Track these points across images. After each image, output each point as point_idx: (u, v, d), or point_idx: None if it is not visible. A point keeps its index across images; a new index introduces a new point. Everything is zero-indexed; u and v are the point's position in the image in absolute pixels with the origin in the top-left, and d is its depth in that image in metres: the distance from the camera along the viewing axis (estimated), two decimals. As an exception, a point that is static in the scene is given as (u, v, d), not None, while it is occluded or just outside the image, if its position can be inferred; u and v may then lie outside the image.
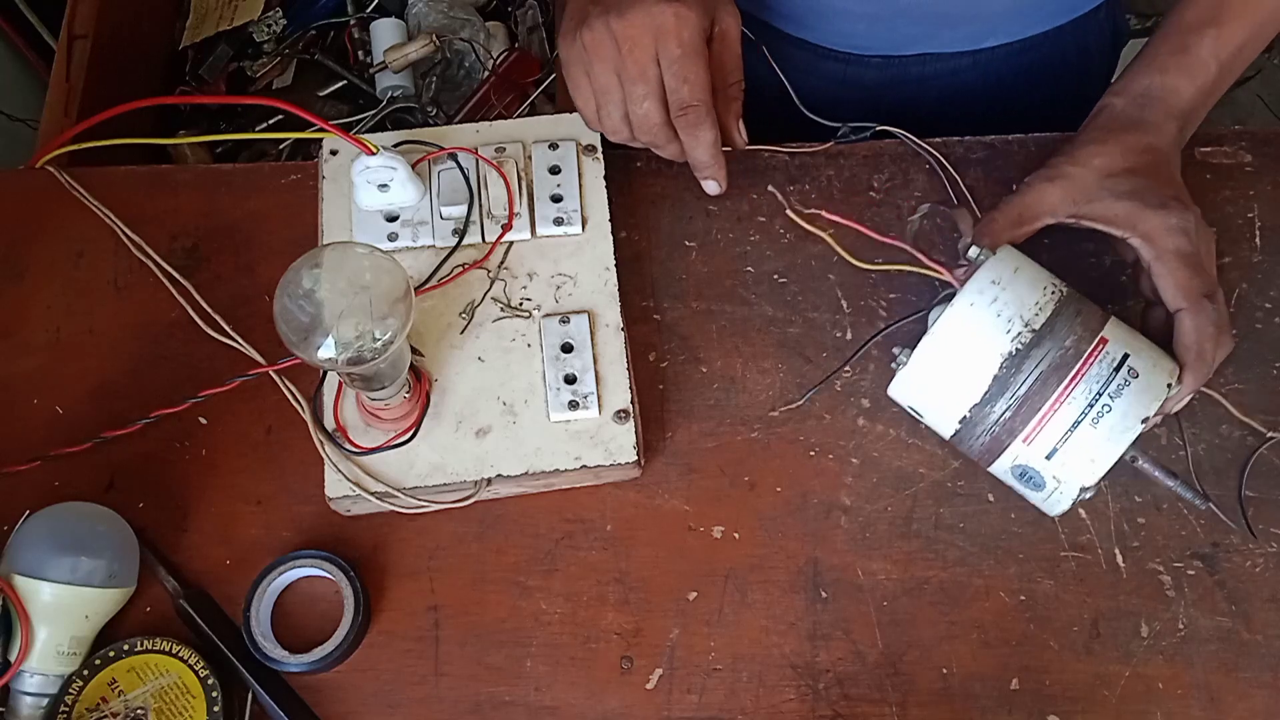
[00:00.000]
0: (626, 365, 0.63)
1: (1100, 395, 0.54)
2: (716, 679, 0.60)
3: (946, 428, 0.58)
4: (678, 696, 0.60)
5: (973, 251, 0.57)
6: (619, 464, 0.61)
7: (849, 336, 0.67)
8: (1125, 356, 0.55)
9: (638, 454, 0.61)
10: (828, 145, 0.71)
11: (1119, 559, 0.62)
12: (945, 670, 0.60)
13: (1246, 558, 0.62)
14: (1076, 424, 0.55)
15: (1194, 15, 0.63)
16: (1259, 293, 0.67)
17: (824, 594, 0.62)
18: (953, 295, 0.57)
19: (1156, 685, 0.60)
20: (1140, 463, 0.58)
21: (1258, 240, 0.69)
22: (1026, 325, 0.55)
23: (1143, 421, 0.55)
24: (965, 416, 0.57)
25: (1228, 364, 0.65)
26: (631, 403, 0.62)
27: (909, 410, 0.60)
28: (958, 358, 0.56)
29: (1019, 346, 0.55)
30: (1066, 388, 0.55)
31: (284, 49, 0.98)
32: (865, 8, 0.75)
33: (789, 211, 0.66)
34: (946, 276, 0.58)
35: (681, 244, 0.70)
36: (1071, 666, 0.60)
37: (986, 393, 0.56)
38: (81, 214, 0.71)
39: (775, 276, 0.68)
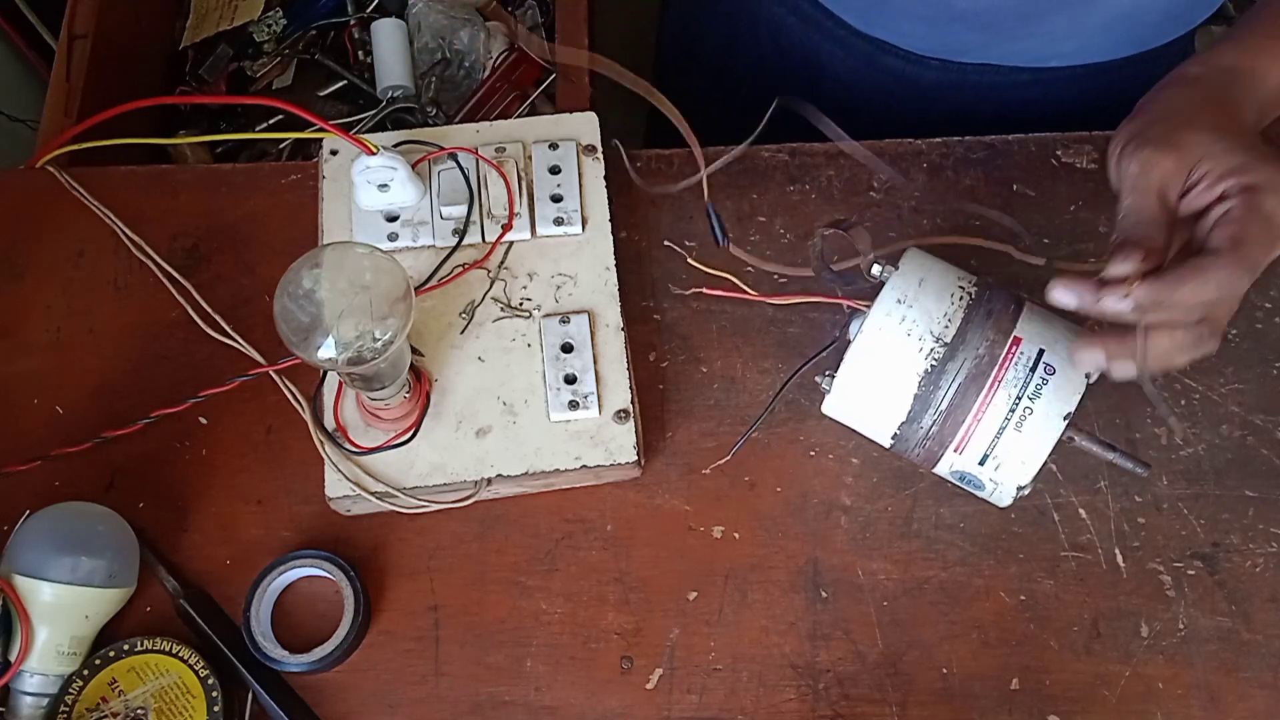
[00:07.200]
0: (626, 365, 0.63)
1: (1020, 399, 0.54)
2: (716, 679, 0.60)
3: (883, 442, 0.59)
4: (678, 696, 0.60)
5: (875, 269, 0.57)
6: (619, 464, 0.61)
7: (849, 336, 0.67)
8: (1040, 353, 0.55)
9: (638, 454, 0.61)
10: (828, 145, 0.71)
11: (1119, 559, 0.62)
12: (945, 670, 0.60)
13: (1246, 558, 0.62)
14: (1001, 430, 0.54)
15: None
16: (1259, 293, 0.67)
17: (824, 594, 0.62)
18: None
19: (1156, 685, 0.60)
20: (1078, 441, 0.57)
21: (1258, 240, 0.69)
22: (938, 340, 0.55)
23: (1065, 418, 0.54)
24: (896, 434, 0.57)
25: (1228, 364, 0.66)
26: (631, 403, 0.62)
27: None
28: (876, 381, 0.56)
29: (933, 363, 0.55)
30: (986, 396, 0.54)
31: (284, 49, 0.98)
32: (922, 9, 0.73)
33: (690, 260, 0.67)
34: (850, 303, 0.58)
35: (681, 244, 0.69)
36: (1071, 666, 0.60)
37: (910, 411, 0.56)
38: (81, 214, 0.71)
39: (775, 276, 0.68)
